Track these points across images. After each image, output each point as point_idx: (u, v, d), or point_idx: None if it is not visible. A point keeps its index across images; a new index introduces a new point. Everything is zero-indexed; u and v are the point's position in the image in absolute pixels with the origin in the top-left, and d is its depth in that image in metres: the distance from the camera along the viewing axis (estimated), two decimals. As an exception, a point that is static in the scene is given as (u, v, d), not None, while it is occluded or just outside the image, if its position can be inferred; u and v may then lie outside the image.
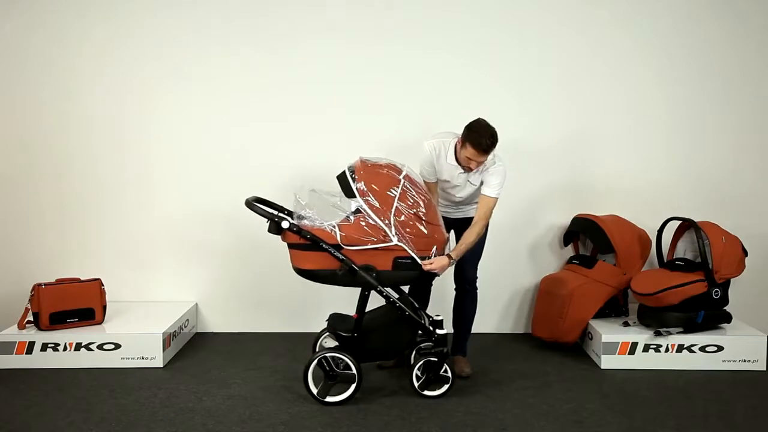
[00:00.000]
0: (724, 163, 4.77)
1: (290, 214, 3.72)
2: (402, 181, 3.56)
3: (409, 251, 3.52)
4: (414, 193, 3.57)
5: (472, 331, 3.98)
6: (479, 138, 3.59)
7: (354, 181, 3.52)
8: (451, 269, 3.85)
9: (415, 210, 3.54)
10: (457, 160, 3.75)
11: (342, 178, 3.57)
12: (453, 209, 4.00)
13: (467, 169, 3.74)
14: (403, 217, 3.51)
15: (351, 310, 3.66)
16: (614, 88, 4.73)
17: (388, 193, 3.52)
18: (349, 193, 3.54)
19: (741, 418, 3.45)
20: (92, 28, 4.61)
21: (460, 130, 3.64)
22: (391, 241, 3.49)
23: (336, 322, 3.73)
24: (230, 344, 4.39)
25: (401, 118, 4.69)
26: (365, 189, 3.50)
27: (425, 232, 3.55)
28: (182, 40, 4.62)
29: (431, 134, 3.86)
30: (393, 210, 3.50)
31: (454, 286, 4.05)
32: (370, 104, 4.69)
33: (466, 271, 3.97)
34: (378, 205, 3.50)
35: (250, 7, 4.61)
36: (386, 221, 3.50)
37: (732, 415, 3.49)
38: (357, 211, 3.54)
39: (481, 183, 3.81)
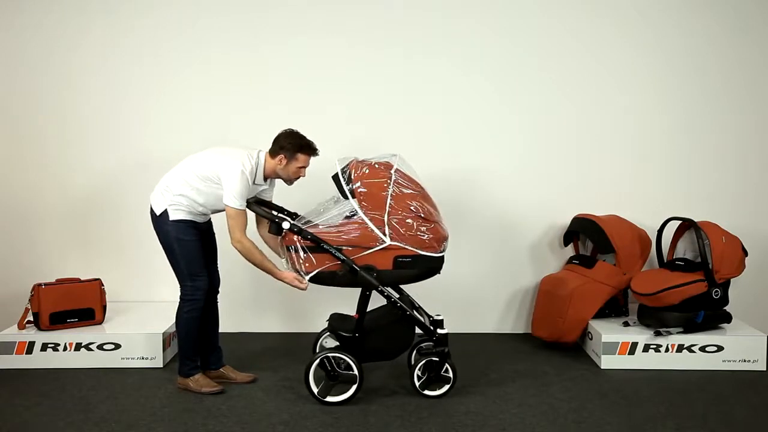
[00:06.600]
0: (724, 163, 4.77)
1: (290, 215, 3.71)
2: (393, 176, 3.54)
3: (410, 248, 3.51)
4: (408, 191, 3.55)
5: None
6: (311, 144, 3.63)
7: (347, 183, 3.52)
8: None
9: (410, 207, 3.52)
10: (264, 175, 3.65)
11: (336, 179, 3.57)
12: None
13: (292, 181, 3.70)
14: (398, 216, 3.50)
15: (352, 310, 3.66)
16: (613, 88, 4.73)
17: (382, 193, 3.50)
18: (343, 195, 3.54)
19: (741, 418, 3.45)
20: (90, 26, 4.61)
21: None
22: (384, 242, 3.49)
23: (337, 322, 3.73)
24: (230, 344, 4.38)
25: (400, 120, 4.70)
26: (359, 190, 3.50)
27: (423, 228, 3.53)
28: (181, 38, 4.62)
29: (220, 154, 3.57)
30: (387, 210, 3.49)
31: (205, 296, 3.74)
32: (369, 105, 4.69)
33: (217, 273, 3.91)
34: (372, 205, 3.49)
35: (250, 5, 4.62)
36: (380, 221, 3.49)
37: (732, 415, 3.49)
38: (353, 212, 3.53)
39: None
